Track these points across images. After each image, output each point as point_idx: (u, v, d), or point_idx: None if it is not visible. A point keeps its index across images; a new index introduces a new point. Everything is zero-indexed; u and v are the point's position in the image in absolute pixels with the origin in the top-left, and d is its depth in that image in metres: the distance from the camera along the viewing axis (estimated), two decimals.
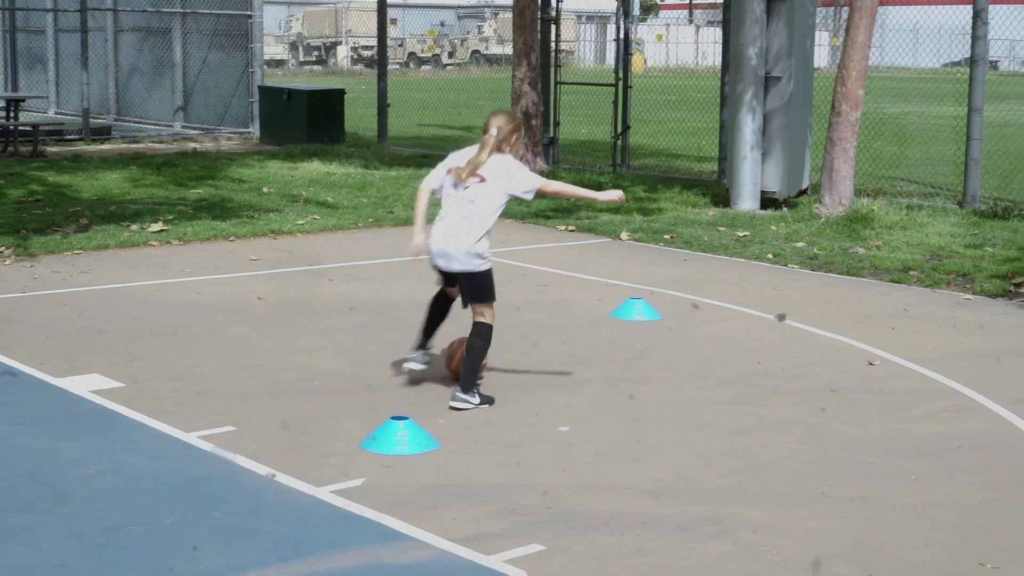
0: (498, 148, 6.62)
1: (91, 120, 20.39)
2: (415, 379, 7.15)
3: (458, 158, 6.70)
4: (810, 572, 4.66)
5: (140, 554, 4.72)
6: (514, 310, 8.92)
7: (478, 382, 6.72)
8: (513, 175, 6.63)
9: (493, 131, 6.61)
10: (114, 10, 23.04)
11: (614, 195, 6.92)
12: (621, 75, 16.87)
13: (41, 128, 18.37)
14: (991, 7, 13.48)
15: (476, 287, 6.63)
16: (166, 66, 22.52)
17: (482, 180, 6.58)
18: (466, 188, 6.59)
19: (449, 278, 6.78)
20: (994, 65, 43.08)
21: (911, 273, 10.34)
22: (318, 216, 12.80)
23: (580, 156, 18.42)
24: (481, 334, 6.63)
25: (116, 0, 23.07)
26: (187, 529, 4.95)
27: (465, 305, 6.71)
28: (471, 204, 6.58)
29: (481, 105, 28.05)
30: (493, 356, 7.04)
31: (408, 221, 12.82)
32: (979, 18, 13.22)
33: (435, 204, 6.76)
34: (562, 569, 4.65)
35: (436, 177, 6.76)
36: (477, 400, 6.58)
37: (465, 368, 6.62)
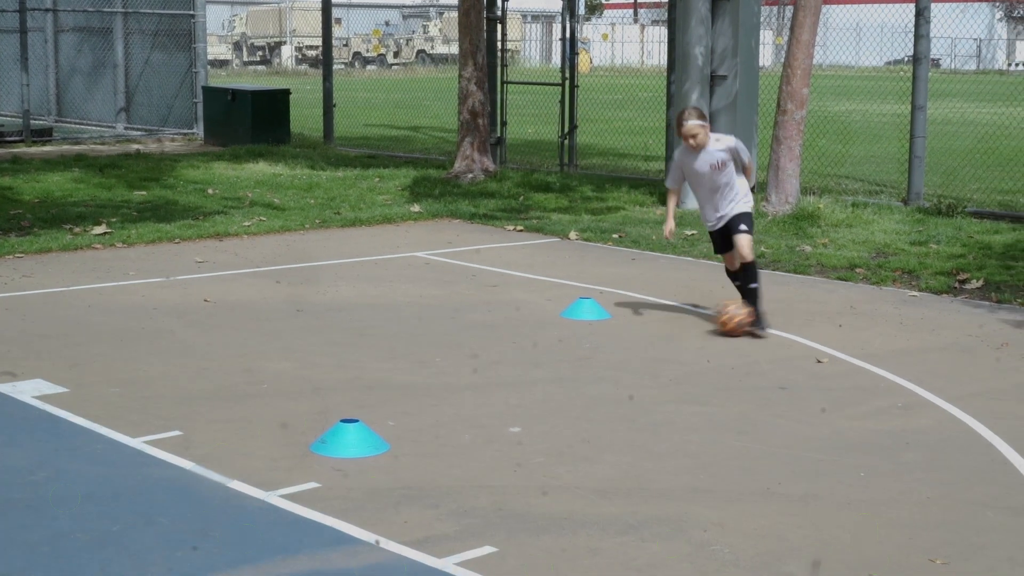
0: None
1: (31, 122, 20.13)
2: (364, 382, 7.10)
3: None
4: (764, 570, 4.67)
5: (87, 562, 4.65)
6: (463, 311, 8.90)
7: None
8: None
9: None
10: (53, 10, 22.79)
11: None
12: (568, 74, 16.88)
13: None
14: (933, 5, 13.60)
15: None
16: (107, 67, 22.29)
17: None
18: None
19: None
20: (936, 63, 43.52)
21: (857, 271, 10.42)
22: (264, 218, 12.71)
23: (527, 155, 18.41)
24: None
25: (55, 0, 22.82)
26: (133, 536, 4.88)
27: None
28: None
29: (427, 105, 27.99)
30: (447, 356, 7.01)
31: (355, 222, 12.78)
32: (922, 16, 13.34)
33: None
34: (514, 571, 4.63)
35: None
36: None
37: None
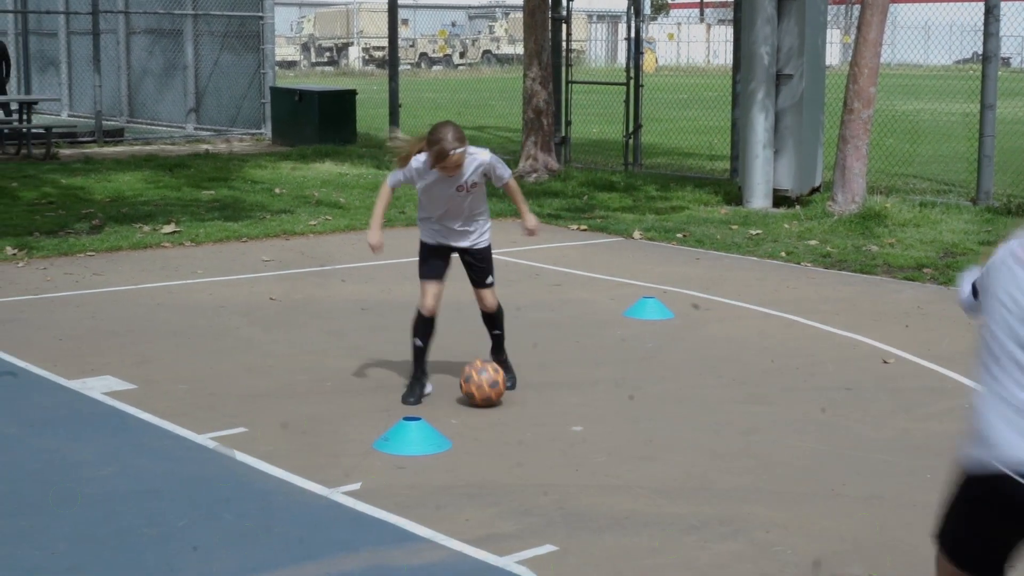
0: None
1: (104, 122, 20.41)
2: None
3: None
4: (817, 572, 4.64)
5: (151, 556, 4.71)
6: (527, 310, 8.91)
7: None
8: None
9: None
10: (126, 12, 23.08)
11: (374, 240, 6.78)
12: (632, 74, 16.85)
13: (54, 130, 18.41)
14: (1003, 4, 13.43)
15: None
16: (178, 68, 22.55)
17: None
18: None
19: None
20: (1006, 62, 42.93)
21: (924, 271, 10.31)
22: (330, 217, 12.80)
23: (592, 155, 18.39)
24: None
25: (128, 2, 23.12)
26: (198, 531, 4.94)
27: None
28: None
29: (493, 105, 28.05)
30: (510, 355, 7.03)
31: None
32: (991, 14, 13.17)
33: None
34: (575, 570, 4.63)
35: None
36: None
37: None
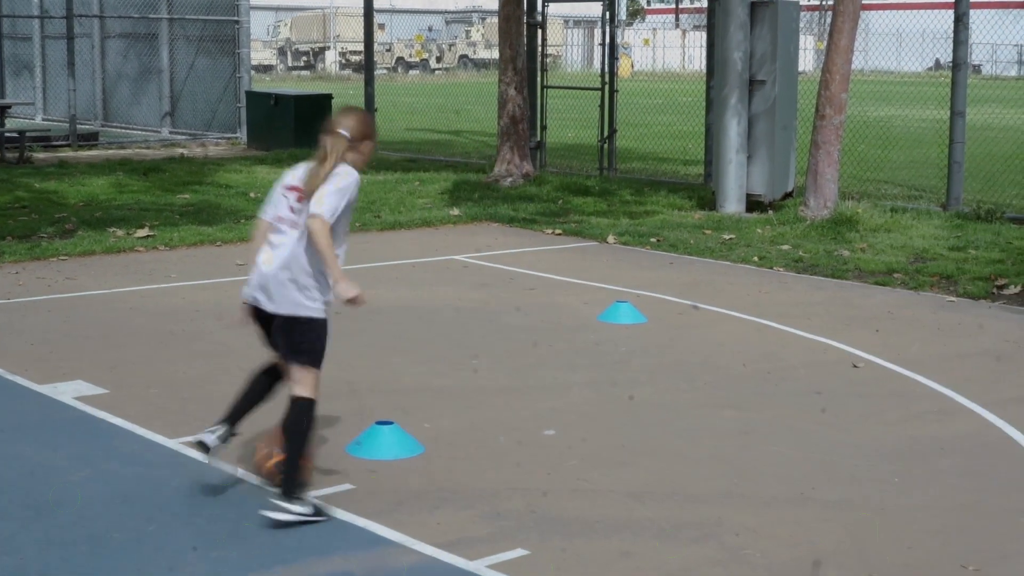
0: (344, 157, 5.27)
1: (78, 126, 20.35)
2: (400, 384, 7.15)
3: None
4: (816, 572, 4.68)
5: (123, 561, 4.71)
6: (500, 314, 8.93)
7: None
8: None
9: (343, 131, 5.33)
10: (100, 16, 23.01)
11: (348, 292, 5.13)
12: (608, 79, 16.90)
13: (28, 135, 18.32)
14: (972, 11, 13.52)
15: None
16: (153, 72, 22.48)
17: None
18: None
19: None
20: (976, 69, 43.17)
21: (895, 275, 10.37)
22: None
23: (567, 160, 18.43)
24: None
25: (102, 6, 23.05)
26: (168, 536, 4.94)
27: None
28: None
29: (469, 109, 28.05)
30: (483, 359, 7.04)
31: (395, 225, 12.84)
32: (961, 22, 13.27)
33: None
34: (547, 573, 4.65)
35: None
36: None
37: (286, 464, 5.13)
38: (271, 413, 5.52)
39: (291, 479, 5.07)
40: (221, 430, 5.33)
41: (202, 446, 5.29)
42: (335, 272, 5.10)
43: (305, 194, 5.20)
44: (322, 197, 5.11)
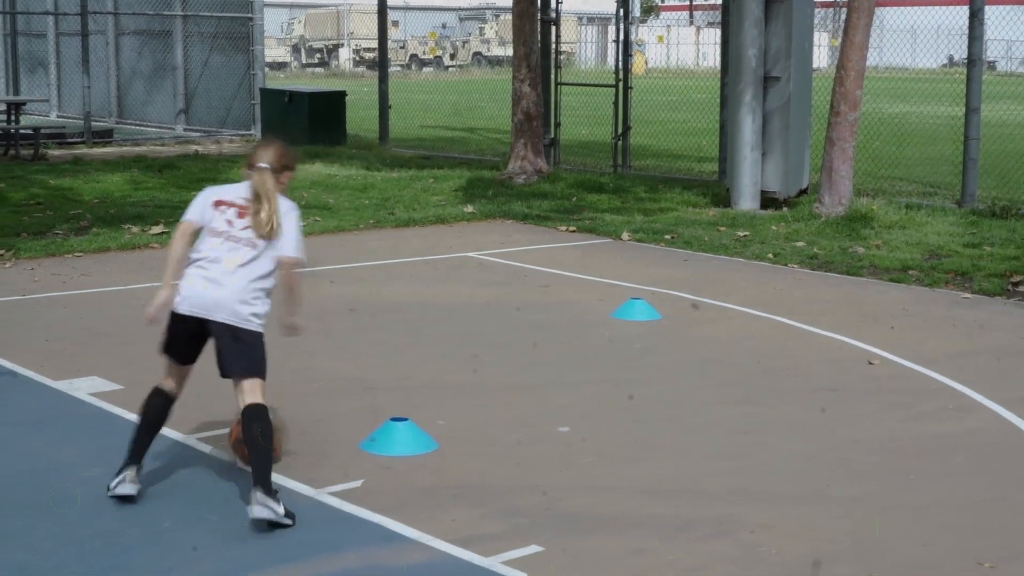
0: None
1: (93, 123, 20.39)
2: (415, 381, 7.15)
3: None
4: (809, 572, 4.66)
5: (138, 556, 4.72)
6: (515, 311, 8.93)
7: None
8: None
9: (263, 164, 5.31)
10: (115, 13, 23.06)
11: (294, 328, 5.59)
12: (622, 76, 16.88)
13: (42, 131, 18.39)
14: (988, 8, 13.47)
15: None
16: (167, 69, 22.54)
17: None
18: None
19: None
20: (991, 65, 43.03)
21: (910, 272, 10.35)
22: (319, 218, 12.80)
23: (581, 157, 18.42)
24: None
25: (117, 3, 23.10)
26: (185, 531, 4.95)
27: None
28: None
29: (483, 107, 28.06)
30: (497, 356, 7.04)
31: (409, 222, 12.85)
32: (976, 18, 13.22)
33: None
34: (561, 570, 4.65)
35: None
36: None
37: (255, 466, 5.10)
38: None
39: (268, 480, 5.05)
40: (132, 473, 5.27)
41: (127, 498, 5.23)
42: (301, 310, 5.60)
43: (265, 235, 5.32)
44: (291, 240, 5.36)
